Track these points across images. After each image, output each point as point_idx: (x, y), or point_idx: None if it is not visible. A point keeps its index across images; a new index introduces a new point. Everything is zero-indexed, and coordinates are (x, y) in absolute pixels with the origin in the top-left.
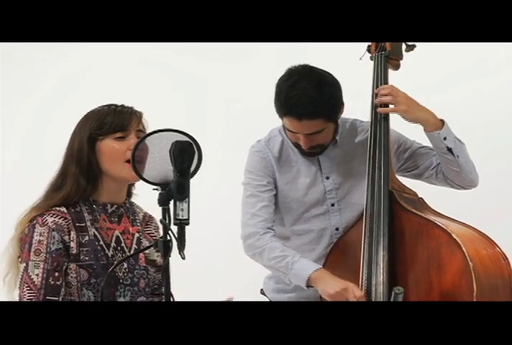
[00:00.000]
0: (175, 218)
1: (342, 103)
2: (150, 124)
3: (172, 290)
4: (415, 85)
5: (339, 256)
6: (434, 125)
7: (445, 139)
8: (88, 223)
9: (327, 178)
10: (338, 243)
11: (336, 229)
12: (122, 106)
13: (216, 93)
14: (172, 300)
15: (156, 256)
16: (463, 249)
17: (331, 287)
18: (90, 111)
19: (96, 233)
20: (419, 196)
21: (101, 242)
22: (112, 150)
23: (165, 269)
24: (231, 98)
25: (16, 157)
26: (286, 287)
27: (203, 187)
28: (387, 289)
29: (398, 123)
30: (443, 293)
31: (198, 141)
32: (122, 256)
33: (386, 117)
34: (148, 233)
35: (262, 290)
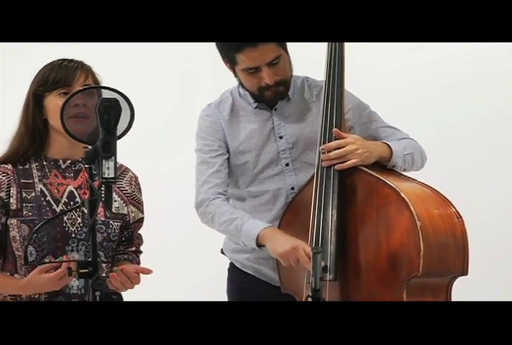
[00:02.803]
0: (101, 177)
1: None
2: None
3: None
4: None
5: (293, 216)
6: (386, 158)
7: (394, 166)
8: (36, 180)
9: (280, 138)
10: (292, 202)
11: (292, 188)
12: (70, 60)
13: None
14: (99, 259)
15: (125, 210)
16: (411, 208)
17: (281, 246)
18: (41, 68)
19: (44, 189)
20: None
21: (48, 198)
22: (56, 107)
23: (91, 229)
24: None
25: None
26: (244, 247)
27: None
28: (335, 248)
29: None
30: (391, 253)
31: (130, 98)
32: (76, 211)
33: (340, 76)
34: (118, 187)
35: (222, 249)
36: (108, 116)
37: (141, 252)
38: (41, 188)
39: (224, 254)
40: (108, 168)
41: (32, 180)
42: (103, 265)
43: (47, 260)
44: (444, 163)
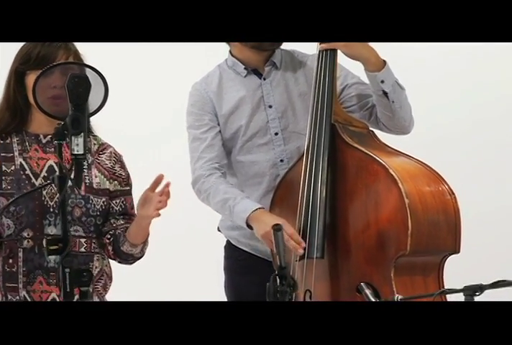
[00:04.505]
0: (71, 153)
1: None
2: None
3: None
4: None
5: (285, 192)
6: (375, 65)
7: (382, 82)
8: (16, 154)
9: (270, 107)
10: (284, 178)
11: (281, 161)
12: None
13: None
14: (68, 234)
15: (108, 185)
16: (399, 185)
17: (261, 228)
18: (24, 45)
19: (24, 162)
20: (369, 129)
21: (28, 171)
22: None
23: (61, 205)
24: None
25: None
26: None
27: None
28: (323, 225)
29: None
30: (379, 231)
31: (104, 75)
32: (55, 185)
33: (333, 50)
34: (99, 163)
35: (218, 227)
36: (77, 92)
37: None
38: (21, 162)
39: (220, 231)
40: (77, 145)
41: (12, 154)
42: (82, 240)
43: (26, 234)
44: (444, 148)
